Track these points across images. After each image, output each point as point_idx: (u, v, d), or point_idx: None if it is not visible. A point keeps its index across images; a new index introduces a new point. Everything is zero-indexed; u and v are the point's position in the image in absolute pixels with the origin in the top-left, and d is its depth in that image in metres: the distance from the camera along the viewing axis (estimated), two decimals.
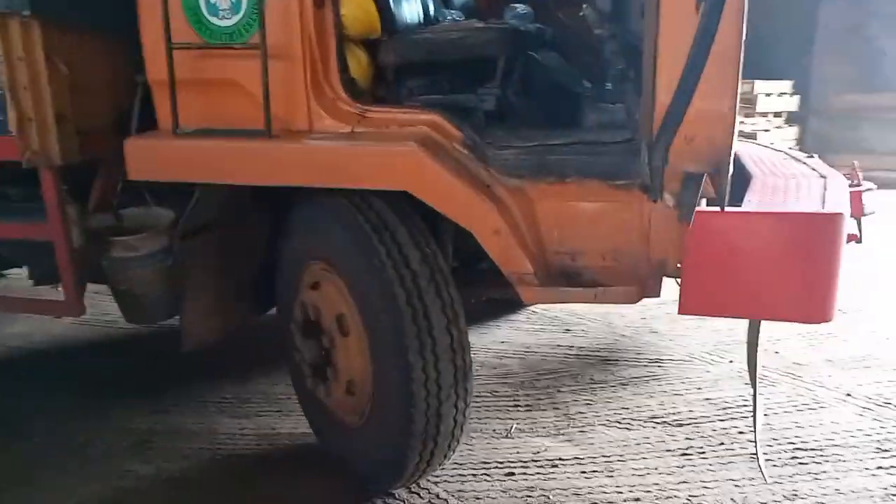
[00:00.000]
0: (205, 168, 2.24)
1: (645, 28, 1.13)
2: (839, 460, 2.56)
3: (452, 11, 3.03)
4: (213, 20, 2.21)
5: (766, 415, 2.88)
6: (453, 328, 2.09)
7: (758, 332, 1.99)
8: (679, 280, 2.06)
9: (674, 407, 3.00)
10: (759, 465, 2.08)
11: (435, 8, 2.75)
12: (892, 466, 2.52)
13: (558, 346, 3.66)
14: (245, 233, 2.66)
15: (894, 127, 7.47)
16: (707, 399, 3.06)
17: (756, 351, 2.01)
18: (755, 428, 2.05)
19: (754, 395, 2.03)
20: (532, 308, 4.09)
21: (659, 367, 3.38)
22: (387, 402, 2.15)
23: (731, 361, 3.41)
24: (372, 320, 2.13)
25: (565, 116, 2.46)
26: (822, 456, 2.59)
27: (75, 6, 2.36)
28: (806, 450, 2.62)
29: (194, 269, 2.53)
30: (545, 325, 3.93)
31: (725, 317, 2.01)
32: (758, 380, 2.03)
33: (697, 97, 1.01)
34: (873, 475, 2.48)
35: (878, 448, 2.64)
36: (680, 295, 1.93)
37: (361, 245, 2.13)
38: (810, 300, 1.84)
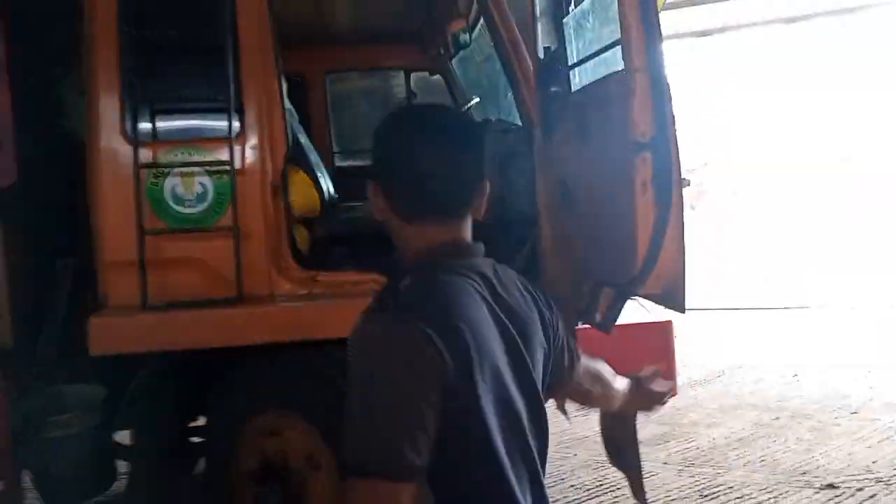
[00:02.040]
0: (180, 336, 2.47)
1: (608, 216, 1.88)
2: None
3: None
4: (178, 208, 2.55)
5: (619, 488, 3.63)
6: None
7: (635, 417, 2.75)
8: None
9: (550, 498, 3.63)
10: None
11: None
12: None
13: None
14: (166, 399, 2.82)
15: None
16: (572, 486, 3.75)
17: (635, 428, 2.75)
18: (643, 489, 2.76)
19: (638, 467, 2.75)
20: None
21: None
22: None
23: (575, 455, 4.17)
24: None
25: None
26: None
27: (21, 202, 2.52)
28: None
29: (140, 437, 2.63)
30: None
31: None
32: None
33: (662, 251, 1.75)
34: None
35: (700, 494, 3.54)
36: None
37: (335, 388, 2.50)
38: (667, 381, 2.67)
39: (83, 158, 2.56)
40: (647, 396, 1.56)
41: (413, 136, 1.17)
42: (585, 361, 1.39)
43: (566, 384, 1.32)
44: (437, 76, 4.38)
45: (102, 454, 2.67)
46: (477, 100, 3.69)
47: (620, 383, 1.50)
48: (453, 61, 4.23)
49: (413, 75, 4.57)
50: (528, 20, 2.94)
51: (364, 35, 4.23)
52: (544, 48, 2.62)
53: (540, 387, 1.18)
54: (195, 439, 3.01)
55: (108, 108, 2.56)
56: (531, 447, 1.15)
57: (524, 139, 2.89)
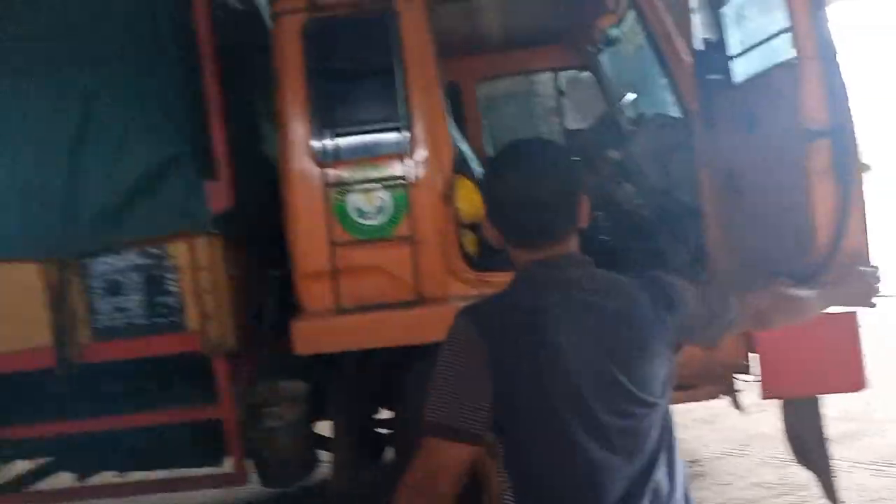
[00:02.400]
0: (369, 336, 2.75)
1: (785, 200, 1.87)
2: None
3: None
4: (362, 221, 2.83)
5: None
6: None
7: (818, 408, 2.64)
8: (751, 374, 2.74)
9: (731, 495, 3.54)
10: None
11: None
12: None
13: None
14: (359, 393, 3.12)
15: None
16: (754, 483, 3.63)
17: (821, 424, 2.64)
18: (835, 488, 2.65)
19: (827, 465, 2.64)
20: None
21: (700, 465, 3.94)
22: None
23: (753, 451, 4.02)
24: None
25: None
26: None
27: (236, 222, 2.92)
28: None
29: (340, 427, 2.94)
30: None
31: (796, 396, 2.67)
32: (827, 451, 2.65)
33: (845, 239, 1.73)
34: None
35: None
36: (762, 383, 2.58)
37: None
38: (855, 375, 2.54)
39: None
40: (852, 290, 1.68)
41: (503, 176, 1.34)
42: (750, 306, 1.49)
43: (716, 340, 1.43)
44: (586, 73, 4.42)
45: (306, 443, 3.01)
46: (633, 96, 3.68)
47: (807, 296, 1.60)
48: (602, 57, 4.25)
49: (564, 74, 4.63)
50: (678, 11, 2.92)
51: (513, 40, 4.36)
52: (703, 40, 2.60)
53: (627, 375, 1.29)
54: (383, 431, 3.31)
55: (298, 133, 2.89)
56: (599, 440, 1.27)
57: (684, 131, 2.87)
